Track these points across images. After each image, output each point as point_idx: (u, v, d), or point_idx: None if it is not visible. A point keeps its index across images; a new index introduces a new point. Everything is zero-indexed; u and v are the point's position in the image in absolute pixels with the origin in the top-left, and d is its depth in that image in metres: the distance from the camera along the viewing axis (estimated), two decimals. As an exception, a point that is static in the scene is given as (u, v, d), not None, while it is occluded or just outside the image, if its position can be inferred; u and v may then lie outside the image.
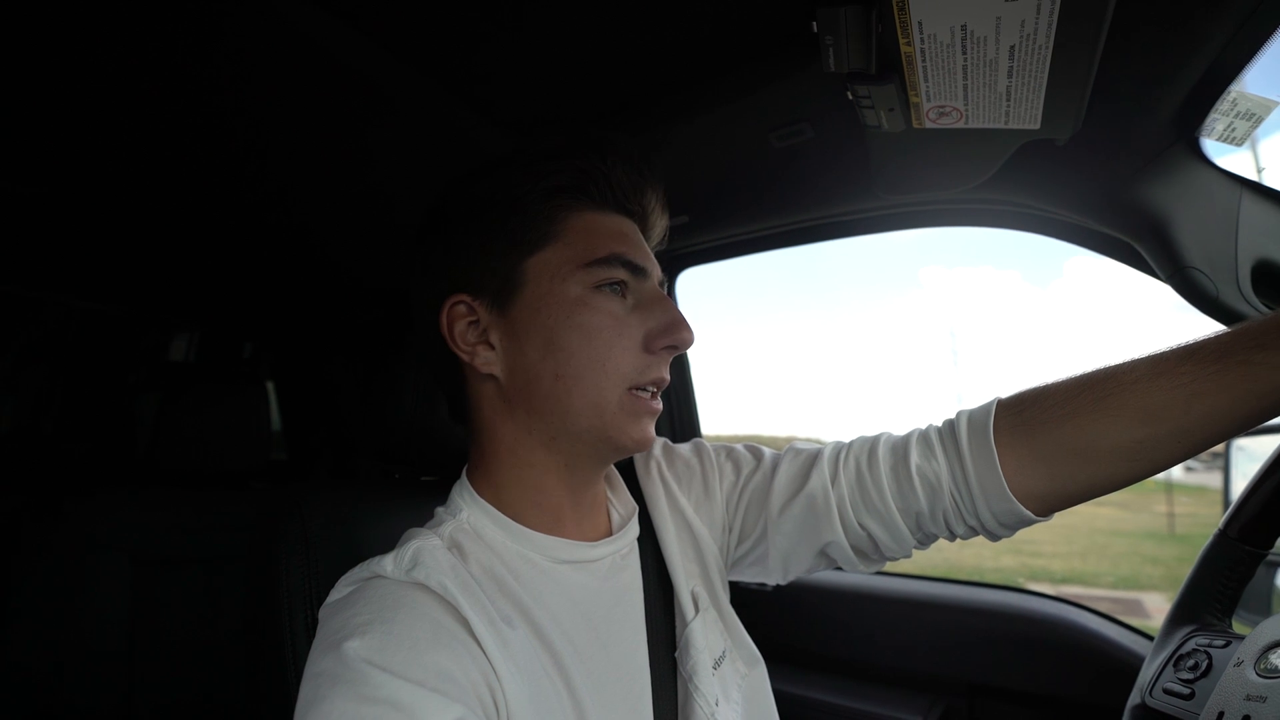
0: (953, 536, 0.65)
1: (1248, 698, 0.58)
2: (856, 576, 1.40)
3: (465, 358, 0.59)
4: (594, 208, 0.60)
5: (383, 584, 0.49)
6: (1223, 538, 0.76)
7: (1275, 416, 0.53)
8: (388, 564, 0.50)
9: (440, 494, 0.64)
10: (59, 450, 2.06)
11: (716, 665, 0.63)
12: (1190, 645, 0.73)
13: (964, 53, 0.53)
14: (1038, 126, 0.62)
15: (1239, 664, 0.62)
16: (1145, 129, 0.74)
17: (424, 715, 0.40)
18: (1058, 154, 0.79)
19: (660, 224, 0.67)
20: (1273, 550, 0.75)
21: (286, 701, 0.60)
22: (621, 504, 0.68)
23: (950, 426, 0.64)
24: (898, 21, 0.51)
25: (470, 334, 0.59)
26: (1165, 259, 0.80)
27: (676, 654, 0.62)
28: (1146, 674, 0.74)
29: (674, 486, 0.70)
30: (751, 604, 1.32)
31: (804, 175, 0.99)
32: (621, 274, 0.58)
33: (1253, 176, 0.78)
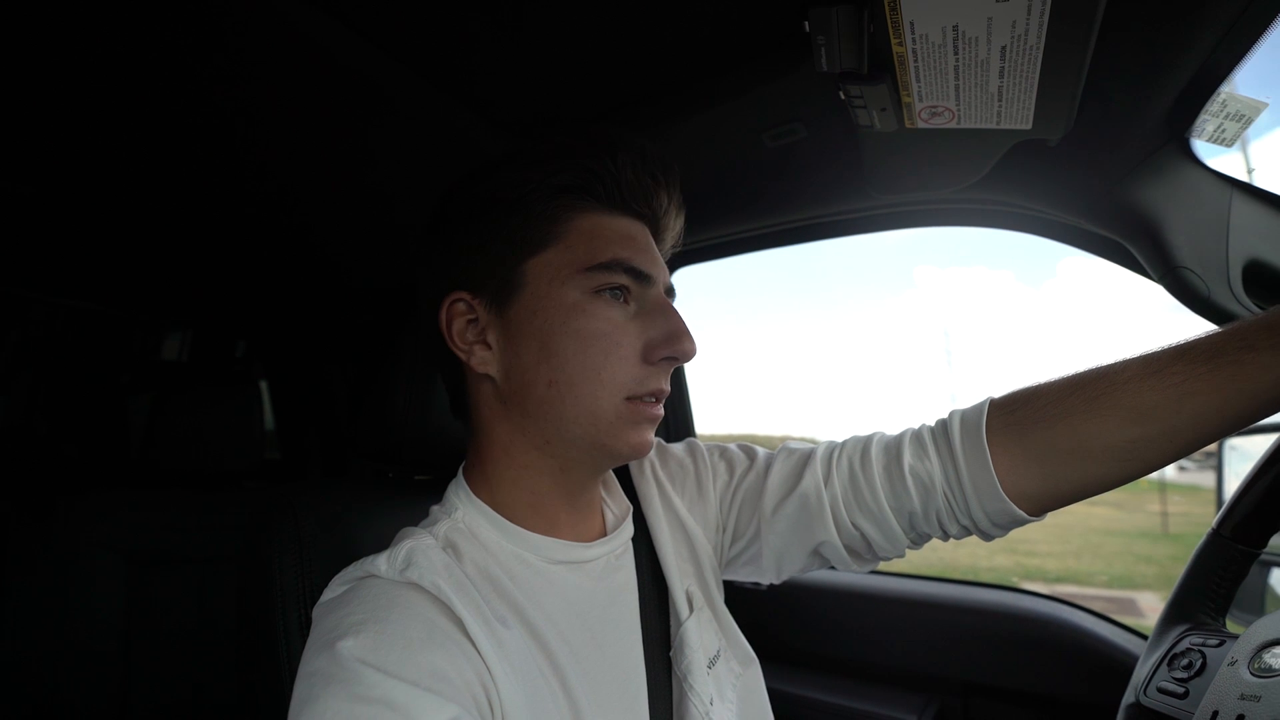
0: (946, 536, 0.65)
1: (1242, 696, 0.58)
2: (851, 575, 1.40)
3: (462, 356, 0.59)
4: (601, 209, 0.58)
5: (376, 583, 0.49)
6: (1216, 537, 0.76)
7: (1266, 416, 0.54)
8: (381, 563, 0.50)
9: (434, 493, 0.64)
10: (52, 451, 2.05)
11: (711, 664, 0.63)
12: (1184, 644, 0.73)
13: (956, 53, 0.53)
14: (1029, 127, 0.63)
15: (1233, 663, 0.62)
16: (1136, 130, 0.74)
17: (418, 715, 0.40)
18: (1049, 154, 0.79)
19: (674, 228, 0.65)
20: (1266, 549, 0.75)
21: (280, 700, 0.60)
22: (616, 504, 0.68)
23: (943, 426, 0.64)
24: (889, 22, 0.51)
25: (469, 333, 0.58)
26: (1157, 259, 0.80)
27: (671, 653, 0.62)
28: (1141, 673, 0.75)
29: (668, 486, 0.70)
30: (746, 603, 1.32)
31: (797, 175, 0.99)
32: (623, 279, 0.56)
33: (1243, 177, 0.79)
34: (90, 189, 1.05)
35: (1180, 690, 0.68)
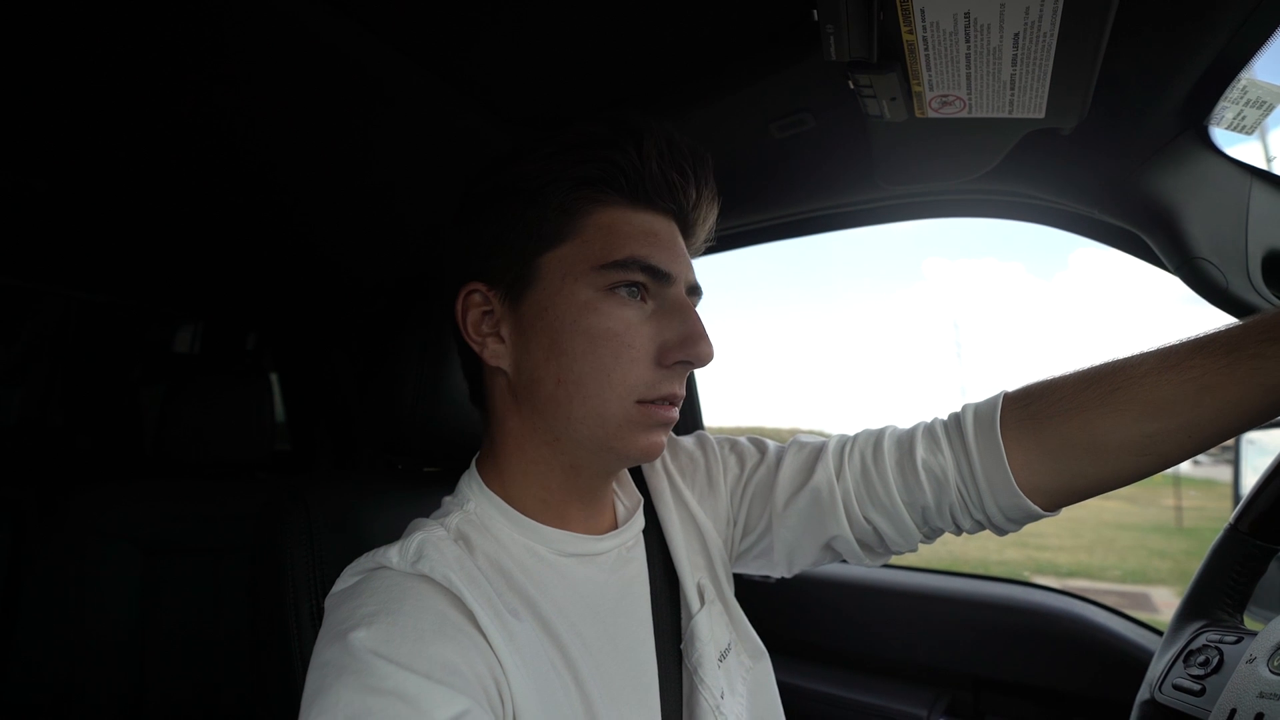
0: (959, 531, 0.64)
1: (1261, 695, 0.57)
2: (862, 569, 1.40)
3: (475, 348, 0.58)
4: (623, 203, 0.56)
5: (388, 575, 0.49)
6: (1234, 532, 0.75)
7: (1286, 409, 0.53)
8: (393, 555, 0.50)
9: (443, 485, 0.64)
10: (67, 442, 2.08)
11: (722, 658, 0.63)
12: (1201, 641, 0.72)
13: (967, 41, 0.52)
14: (1042, 115, 0.62)
15: (1251, 660, 0.61)
16: (1153, 118, 0.73)
17: (429, 707, 0.40)
18: (1063, 143, 0.78)
19: (705, 223, 0.62)
20: (1285, 545, 0.74)
21: (292, 690, 0.61)
22: (627, 496, 0.68)
23: (956, 420, 0.63)
24: (899, 9, 0.50)
25: (484, 324, 0.58)
26: (1173, 250, 0.79)
27: (682, 646, 0.62)
28: (1156, 669, 0.74)
29: (678, 479, 0.70)
30: (756, 596, 1.32)
31: (805, 166, 0.98)
32: (639, 277, 0.54)
33: (1263, 165, 0.77)
34: (102, 184, 1.06)
35: (1197, 687, 0.67)
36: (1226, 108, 0.70)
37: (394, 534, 0.55)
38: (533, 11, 0.69)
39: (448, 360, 0.74)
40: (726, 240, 1.29)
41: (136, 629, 1.28)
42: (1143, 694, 0.73)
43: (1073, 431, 0.57)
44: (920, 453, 0.62)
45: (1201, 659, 0.69)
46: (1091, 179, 0.83)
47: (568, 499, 0.59)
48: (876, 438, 0.66)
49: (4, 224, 1.19)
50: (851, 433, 0.69)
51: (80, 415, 2.11)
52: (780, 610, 1.41)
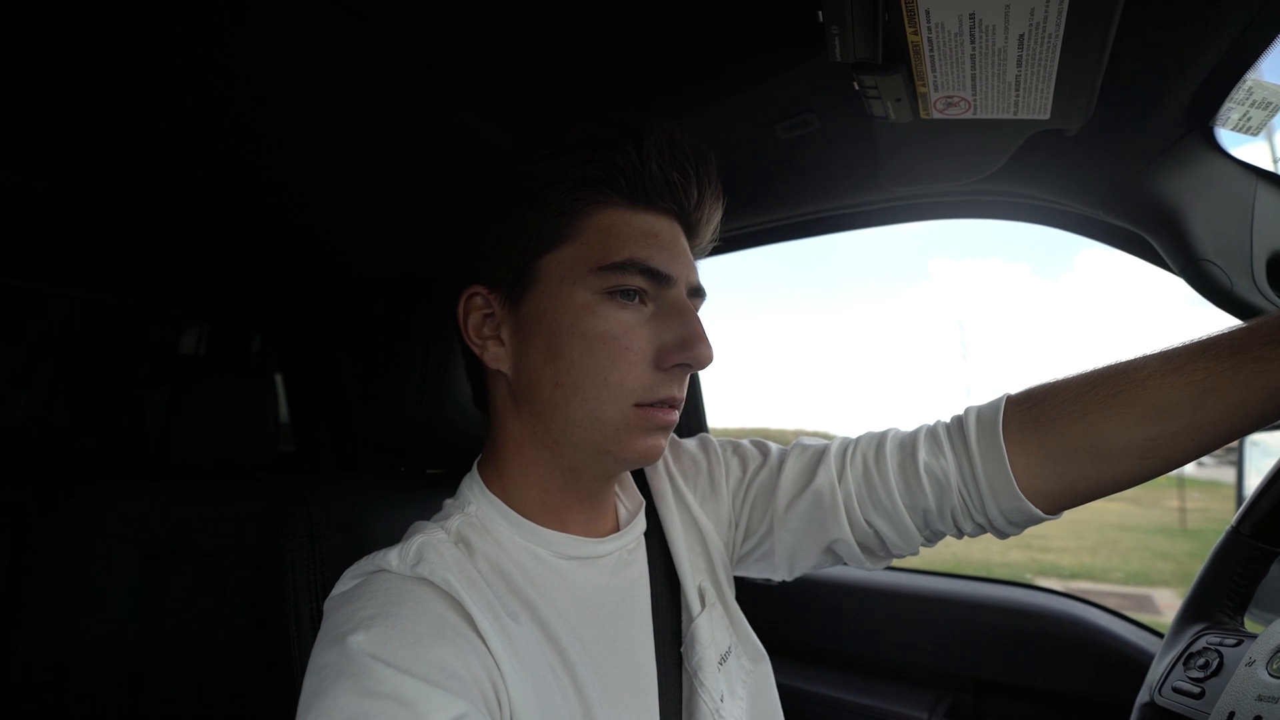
0: (961, 534, 0.64)
1: (1259, 698, 0.57)
2: (863, 572, 1.39)
3: (476, 350, 0.58)
4: (623, 204, 0.55)
5: (387, 578, 0.49)
6: (1235, 535, 0.75)
7: (1290, 413, 0.52)
8: (393, 558, 0.50)
9: (445, 487, 0.64)
10: (71, 442, 2.08)
11: (722, 661, 0.63)
12: (1201, 643, 0.72)
13: (972, 41, 0.52)
14: (1047, 116, 0.61)
15: (1251, 663, 0.61)
16: (1158, 118, 0.73)
17: (427, 710, 0.40)
18: (1067, 144, 0.78)
19: (710, 223, 0.61)
20: (1287, 547, 0.73)
21: (291, 693, 0.61)
22: (629, 499, 0.68)
23: (959, 423, 0.63)
24: (904, 10, 0.50)
25: (485, 327, 0.58)
26: (1178, 251, 0.78)
27: (682, 649, 0.62)
28: (1156, 672, 0.74)
29: (680, 482, 0.70)
30: (757, 599, 1.32)
31: (810, 167, 0.98)
32: (638, 281, 0.53)
33: (1269, 167, 0.77)
34: (105, 184, 1.07)
35: (1196, 690, 0.67)
36: (1232, 109, 0.69)
37: (396, 536, 0.55)
38: (535, 10, 0.69)
39: (451, 361, 0.74)
40: (731, 241, 1.29)
41: (137, 630, 1.28)
42: (1142, 696, 0.73)
43: (1075, 434, 0.57)
44: (922, 455, 0.62)
45: (1201, 662, 0.69)
46: (1096, 180, 0.83)
47: (568, 502, 0.59)
48: (879, 441, 0.66)
49: (6, 224, 1.20)
50: (855, 435, 0.68)
51: (84, 416, 2.12)
52: (781, 613, 1.41)
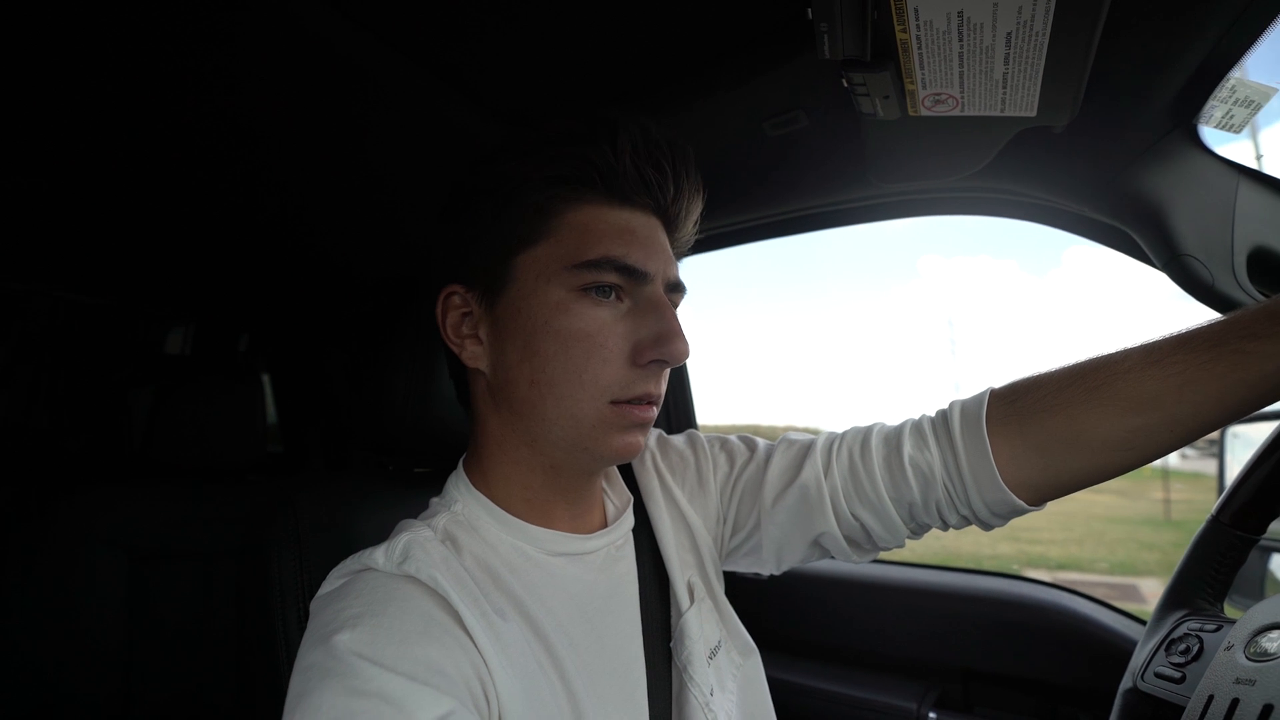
0: (946, 526, 0.65)
1: (1237, 680, 0.58)
2: (851, 565, 1.40)
3: (454, 349, 0.58)
4: (599, 201, 0.55)
5: (373, 576, 0.49)
6: (1216, 524, 0.76)
7: (1266, 405, 0.53)
8: (379, 556, 0.50)
9: (433, 486, 0.64)
10: (53, 444, 2.06)
11: (712, 655, 0.63)
12: (1182, 630, 0.73)
13: (960, 39, 0.53)
14: (1034, 114, 0.62)
15: (1229, 648, 0.62)
16: (1142, 116, 0.73)
17: (414, 708, 0.40)
18: (1054, 141, 0.79)
19: (689, 218, 0.61)
20: (1265, 535, 0.75)
21: (278, 694, 0.61)
22: (617, 495, 0.68)
23: (943, 416, 0.64)
24: (893, 8, 0.50)
25: (463, 326, 0.58)
26: (1161, 246, 0.79)
27: (672, 644, 0.62)
28: (1139, 658, 0.75)
29: (668, 478, 0.70)
30: (746, 593, 1.33)
31: (799, 164, 0.98)
32: (612, 278, 0.53)
33: (1251, 164, 0.78)
34: (88, 182, 1.05)
35: (1177, 675, 0.68)
36: (1215, 106, 0.70)
37: (384, 535, 0.55)
38: (525, 7, 0.69)
39: (438, 361, 0.74)
40: (720, 239, 1.29)
41: (123, 634, 1.27)
42: (1126, 682, 0.74)
43: (1057, 427, 0.57)
44: (907, 449, 0.63)
45: (1182, 647, 0.71)
46: (1081, 176, 0.83)
47: (551, 498, 0.59)
48: (864, 435, 0.66)
49: (-10, 223, 1.18)
50: (841, 430, 0.69)
51: (68, 417, 2.09)
52: (770, 606, 1.42)
